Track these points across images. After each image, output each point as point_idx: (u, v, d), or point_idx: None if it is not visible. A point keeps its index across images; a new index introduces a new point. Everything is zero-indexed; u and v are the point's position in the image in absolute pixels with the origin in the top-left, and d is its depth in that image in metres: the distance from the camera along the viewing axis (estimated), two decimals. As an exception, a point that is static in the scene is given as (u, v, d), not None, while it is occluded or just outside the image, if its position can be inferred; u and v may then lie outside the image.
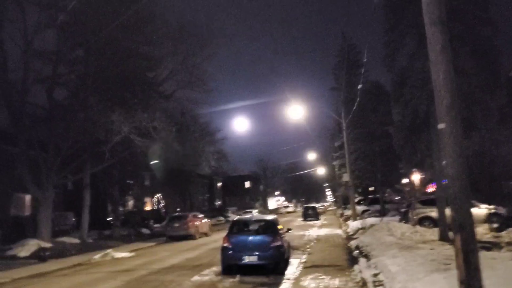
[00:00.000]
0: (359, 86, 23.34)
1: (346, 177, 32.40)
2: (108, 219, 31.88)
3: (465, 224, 6.18)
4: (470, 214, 6.25)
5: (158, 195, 43.70)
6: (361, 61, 25.37)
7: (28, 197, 26.63)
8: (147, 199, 41.89)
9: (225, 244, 12.33)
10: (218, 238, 14.75)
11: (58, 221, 26.72)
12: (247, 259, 11.82)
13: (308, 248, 17.95)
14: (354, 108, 26.23)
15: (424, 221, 19.88)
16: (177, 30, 24.56)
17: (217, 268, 12.92)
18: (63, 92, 24.36)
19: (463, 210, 6.22)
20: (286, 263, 12.95)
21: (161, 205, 43.92)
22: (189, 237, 25.57)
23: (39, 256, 17.96)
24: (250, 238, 12.38)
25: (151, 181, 42.31)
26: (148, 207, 41.77)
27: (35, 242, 19.51)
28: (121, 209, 31.80)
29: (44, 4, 20.22)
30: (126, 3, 19.79)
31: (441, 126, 6.42)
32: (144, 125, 20.36)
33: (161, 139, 21.04)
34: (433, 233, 16.09)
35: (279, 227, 13.34)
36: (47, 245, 19.67)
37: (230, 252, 12.12)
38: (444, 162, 6.41)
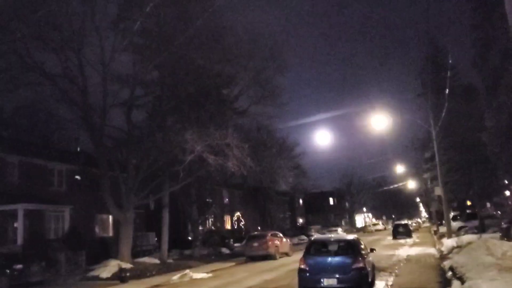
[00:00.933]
0: (447, 91, 21.44)
1: (438, 191, 29.77)
2: (188, 239, 32.05)
3: None
4: None
5: (238, 213, 43.41)
6: (448, 64, 23.25)
7: (111, 218, 27.43)
8: (227, 218, 41.77)
9: (302, 266, 11.59)
10: (299, 259, 13.92)
11: (140, 241, 27.27)
12: (326, 282, 10.97)
13: (396, 269, 16.57)
14: (443, 114, 24.04)
15: (531, 239, 17.33)
16: (249, 44, 24.23)
17: (295, 292, 11.91)
18: (141, 113, 24.95)
19: None
20: (369, 286, 11.84)
21: (241, 223, 43.52)
22: (269, 257, 24.82)
23: (120, 277, 18.09)
24: (329, 259, 11.55)
25: (230, 199, 42.20)
26: (228, 226, 41.60)
27: (116, 262, 19.81)
28: (200, 228, 31.74)
29: (118, 29, 20.81)
30: (196, 21, 19.80)
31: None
32: (217, 143, 20.01)
33: (234, 156, 20.57)
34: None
35: (362, 247, 12.18)
36: (128, 265, 19.84)
37: (308, 274, 11.35)
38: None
